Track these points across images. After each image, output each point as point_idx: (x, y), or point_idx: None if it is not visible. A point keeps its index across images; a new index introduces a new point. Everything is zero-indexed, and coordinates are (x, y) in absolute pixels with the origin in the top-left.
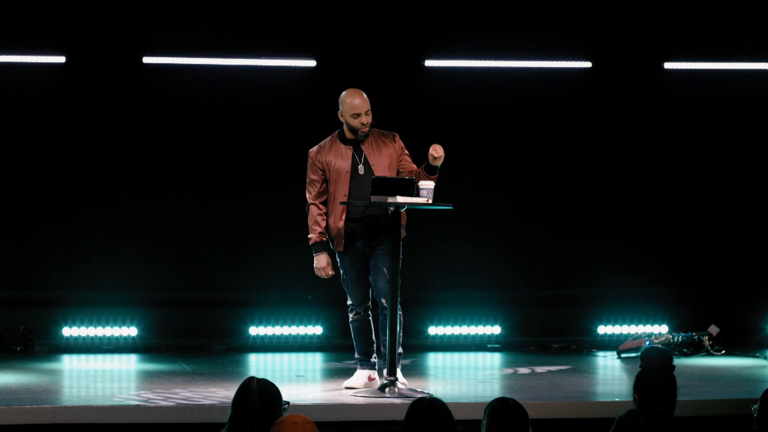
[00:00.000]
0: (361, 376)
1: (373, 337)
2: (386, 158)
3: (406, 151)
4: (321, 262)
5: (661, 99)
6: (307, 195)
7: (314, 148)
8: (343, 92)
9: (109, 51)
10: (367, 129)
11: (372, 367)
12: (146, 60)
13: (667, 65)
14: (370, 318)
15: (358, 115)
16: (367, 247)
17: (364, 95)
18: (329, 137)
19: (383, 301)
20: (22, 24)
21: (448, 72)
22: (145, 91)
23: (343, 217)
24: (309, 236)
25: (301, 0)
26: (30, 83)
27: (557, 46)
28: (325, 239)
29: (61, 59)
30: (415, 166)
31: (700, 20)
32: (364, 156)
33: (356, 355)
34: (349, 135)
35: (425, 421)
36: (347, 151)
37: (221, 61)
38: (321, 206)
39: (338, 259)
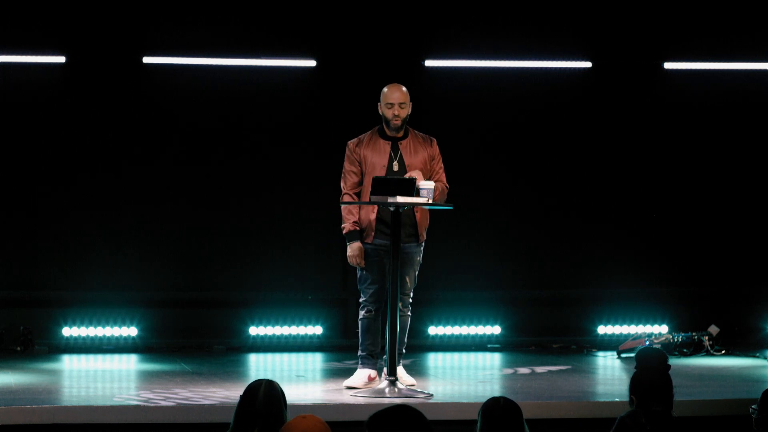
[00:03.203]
0: (361, 375)
1: (379, 338)
2: (421, 161)
3: (441, 163)
4: (354, 250)
5: (661, 99)
6: (342, 185)
7: (353, 140)
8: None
9: (109, 51)
10: (399, 122)
11: (373, 366)
12: (146, 60)
13: (667, 65)
14: (379, 318)
15: (391, 105)
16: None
17: (403, 89)
18: (369, 131)
19: (400, 304)
20: (22, 24)
21: (448, 72)
22: (145, 91)
23: (375, 209)
24: (343, 225)
25: (301, 0)
26: (30, 83)
27: (557, 46)
28: (358, 228)
29: (61, 59)
30: (444, 179)
31: (700, 20)
32: (400, 154)
33: (359, 353)
34: (387, 131)
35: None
36: (385, 147)
37: (221, 61)
38: (355, 197)
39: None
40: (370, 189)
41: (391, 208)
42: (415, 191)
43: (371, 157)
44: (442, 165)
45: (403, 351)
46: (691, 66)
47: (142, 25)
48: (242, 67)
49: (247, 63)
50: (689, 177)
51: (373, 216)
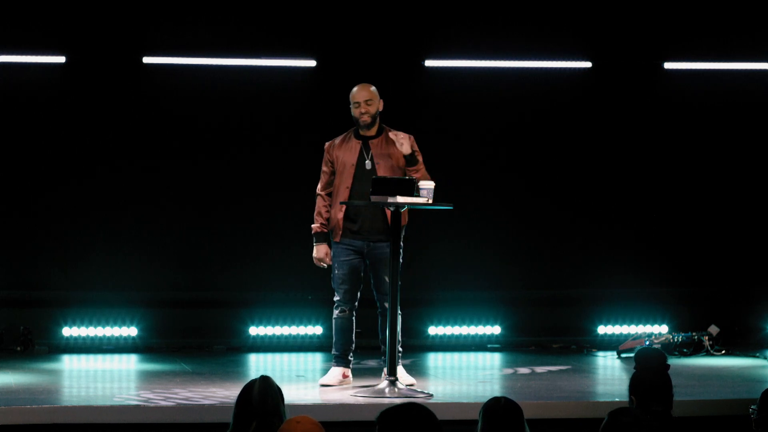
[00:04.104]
0: (335, 373)
1: (353, 337)
2: (392, 158)
3: (419, 156)
4: (320, 252)
5: (661, 99)
6: (318, 185)
7: (329, 142)
8: None
9: (109, 51)
10: (368, 119)
11: (347, 365)
12: (146, 60)
13: (667, 65)
14: (354, 318)
15: (358, 104)
16: (365, 246)
17: (371, 88)
18: (345, 133)
19: (386, 304)
20: (22, 24)
21: (448, 72)
22: (145, 91)
23: (344, 208)
24: (312, 225)
25: (301, 0)
26: (30, 83)
27: (557, 46)
28: (326, 230)
29: (61, 59)
30: (423, 168)
31: (700, 20)
32: (372, 152)
33: (333, 352)
34: (360, 130)
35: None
36: (356, 146)
37: (221, 61)
38: (327, 197)
39: (333, 252)
40: (340, 189)
41: (391, 208)
42: (415, 191)
43: (342, 156)
44: (421, 157)
45: (400, 350)
46: (691, 66)
47: (142, 25)
48: (242, 67)
49: (247, 63)
50: (689, 177)
51: (340, 215)
